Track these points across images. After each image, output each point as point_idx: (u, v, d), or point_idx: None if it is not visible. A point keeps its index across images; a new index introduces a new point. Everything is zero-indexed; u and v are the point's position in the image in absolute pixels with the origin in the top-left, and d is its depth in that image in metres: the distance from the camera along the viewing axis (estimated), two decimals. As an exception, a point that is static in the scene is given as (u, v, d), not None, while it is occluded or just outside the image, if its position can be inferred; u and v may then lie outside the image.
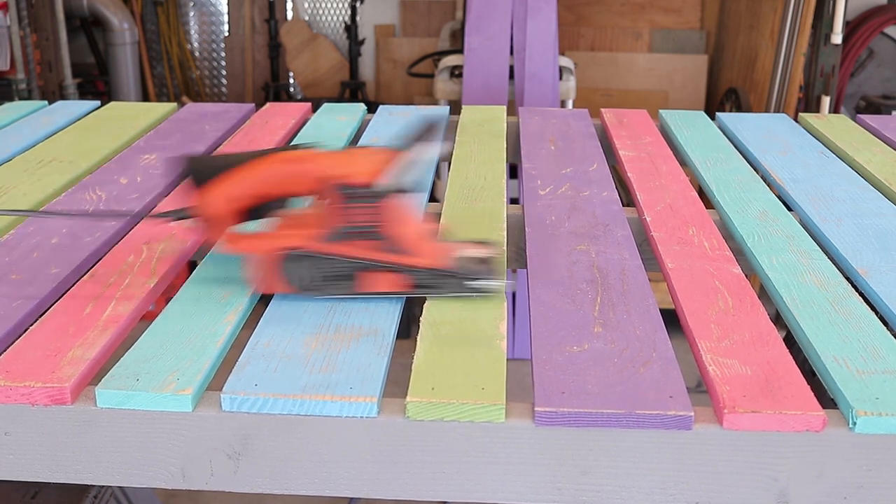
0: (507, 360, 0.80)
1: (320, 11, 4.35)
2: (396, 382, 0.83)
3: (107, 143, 1.46)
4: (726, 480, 0.74)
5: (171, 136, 1.51)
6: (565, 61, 3.05)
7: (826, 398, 0.77)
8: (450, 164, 1.36)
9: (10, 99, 3.40)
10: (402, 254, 0.88)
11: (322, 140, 0.97)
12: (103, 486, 1.77)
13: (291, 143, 0.98)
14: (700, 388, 0.84)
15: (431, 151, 0.88)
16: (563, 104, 3.06)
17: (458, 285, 0.89)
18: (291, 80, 4.41)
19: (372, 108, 1.72)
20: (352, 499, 2.16)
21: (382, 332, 0.84)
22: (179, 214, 0.95)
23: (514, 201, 1.96)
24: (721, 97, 3.74)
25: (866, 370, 0.78)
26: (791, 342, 0.91)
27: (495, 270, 0.90)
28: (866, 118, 1.64)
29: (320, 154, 0.89)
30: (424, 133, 0.89)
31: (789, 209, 1.20)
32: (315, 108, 1.71)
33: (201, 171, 0.92)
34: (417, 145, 0.88)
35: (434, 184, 1.35)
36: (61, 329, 0.84)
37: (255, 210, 0.94)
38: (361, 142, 1.48)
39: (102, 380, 0.76)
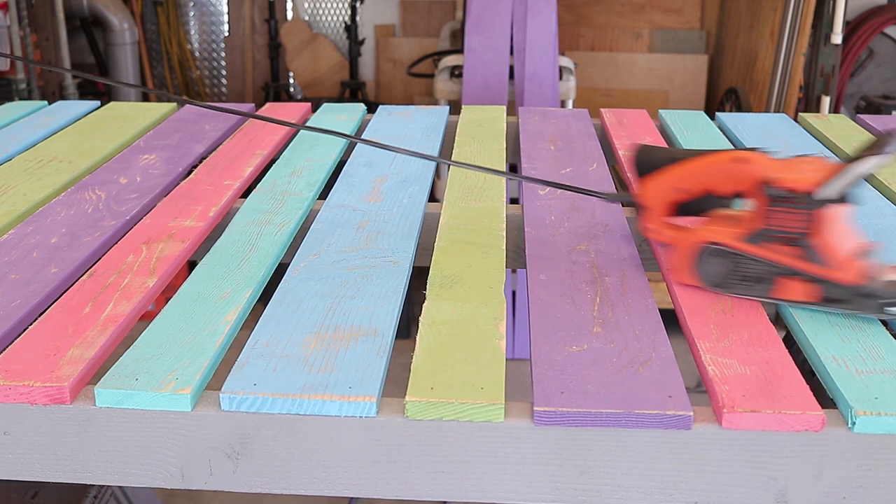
0: (507, 360, 0.80)
1: (320, 11, 4.35)
2: (396, 382, 0.83)
3: (107, 143, 1.46)
4: (725, 480, 0.74)
5: (171, 135, 1.51)
6: (565, 61, 3.05)
7: (825, 398, 0.77)
8: (449, 163, 1.36)
9: (10, 99, 3.40)
10: (822, 265, 0.87)
11: (762, 147, 0.99)
12: (103, 487, 1.77)
13: (746, 147, 1.02)
14: (699, 388, 0.84)
15: (882, 162, 0.85)
16: (563, 104, 3.06)
17: (876, 307, 0.86)
18: (291, 80, 4.41)
19: (372, 109, 1.72)
20: (352, 499, 2.16)
21: (381, 332, 0.84)
22: (625, 198, 1.04)
23: (514, 201, 1.96)
24: (721, 97, 3.74)
25: (865, 370, 0.78)
26: (790, 342, 0.91)
27: None
28: (866, 118, 1.64)
29: (766, 157, 0.91)
30: (880, 144, 0.85)
31: (789, 209, 1.20)
32: (315, 108, 1.71)
33: (647, 160, 1.00)
34: (871, 157, 0.84)
35: (434, 184, 1.36)
36: (60, 328, 0.84)
37: (693, 204, 0.98)
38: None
39: (101, 379, 0.76)
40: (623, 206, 1.09)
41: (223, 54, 4.41)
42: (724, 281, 0.92)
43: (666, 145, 1.47)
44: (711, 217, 0.97)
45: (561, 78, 3.01)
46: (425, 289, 0.93)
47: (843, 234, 0.88)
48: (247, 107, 1.70)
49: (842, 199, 0.86)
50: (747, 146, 1.47)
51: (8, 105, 1.73)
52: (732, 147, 1.47)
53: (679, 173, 0.97)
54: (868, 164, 0.84)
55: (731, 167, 0.93)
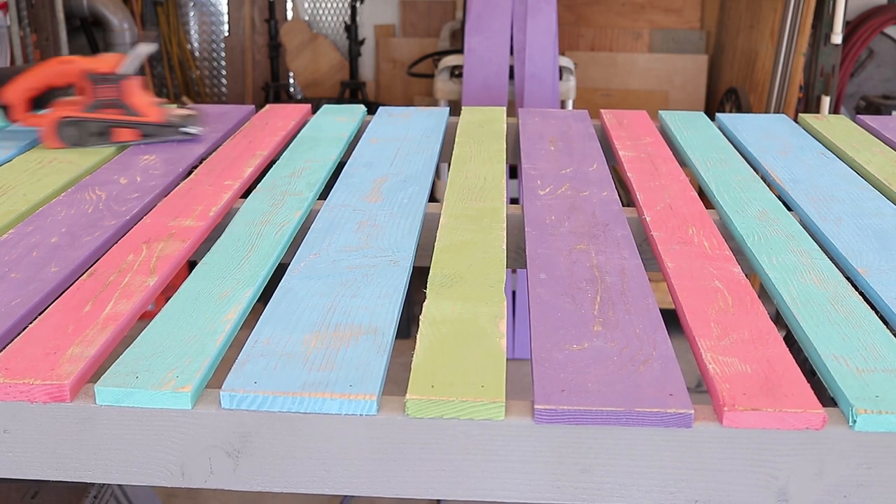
0: (507, 360, 0.80)
1: (320, 11, 4.35)
2: (396, 382, 0.83)
3: (107, 144, 1.46)
4: (726, 478, 0.74)
5: (171, 135, 1.51)
6: (565, 61, 3.05)
7: (826, 397, 0.77)
8: (450, 164, 1.37)
9: (10, 99, 3.40)
10: (137, 115, 1.43)
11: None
12: (103, 486, 1.77)
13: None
14: (700, 388, 0.84)
15: (145, 48, 1.46)
16: (563, 104, 3.06)
17: (174, 131, 1.45)
18: (291, 80, 4.41)
19: (372, 109, 1.72)
20: (344, 497, 2.16)
21: (382, 331, 0.84)
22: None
23: (514, 201, 1.96)
24: (721, 97, 3.74)
25: (866, 368, 0.78)
26: (791, 341, 0.91)
27: (195, 122, 1.47)
28: (866, 118, 1.64)
29: (82, 57, 1.45)
30: (136, 45, 1.50)
31: (789, 209, 1.20)
32: (315, 109, 1.71)
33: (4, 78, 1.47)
34: (141, 44, 1.46)
35: (434, 184, 1.36)
36: (61, 327, 0.84)
37: (40, 99, 1.47)
38: (362, 141, 1.48)
39: (102, 377, 0.76)
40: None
41: (223, 54, 4.41)
42: (80, 140, 1.43)
43: (667, 147, 1.47)
44: (59, 103, 1.45)
45: (561, 78, 3.01)
46: (425, 288, 0.93)
47: (144, 94, 1.44)
48: (247, 108, 1.70)
49: (137, 73, 1.43)
50: (747, 147, 1.47)
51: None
52: (733, 148, 1.47)
53: (28, 77, 1.45)
54: (141, 49, 1.45)
55: (62, 67, 1.44)
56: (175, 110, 1.45)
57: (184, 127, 1.44)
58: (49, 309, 0.88)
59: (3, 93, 1.46)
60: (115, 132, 1.42)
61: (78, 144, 1.41)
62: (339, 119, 1.62)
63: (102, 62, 1.42)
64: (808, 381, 0.76)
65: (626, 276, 0.96)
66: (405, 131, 1.54)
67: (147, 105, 1.43)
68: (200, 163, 1.37)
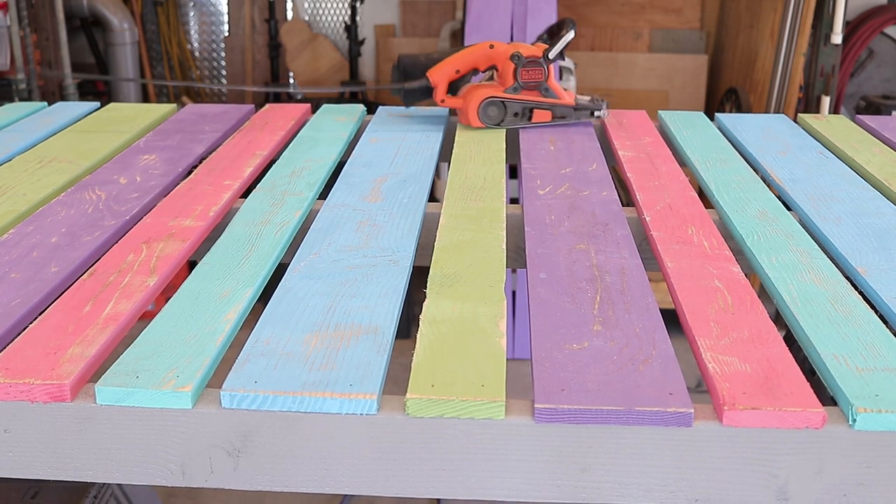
0: (507, 359, 0.80)
1: (320, 11, 4.35)
2: (396, 382, 0.83)
3: (107, 144, 1.46)
4: (726, 477, 0.74)
5: (171, 136, 1.51)
6: (565, 61, 3.05)
7: (826, 396, 0.77)
8: (450, 164, 1.37)
9: (10, 99, 3.40)
10: (554, 97, 1.52)
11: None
12: (103, 486, 1.77)
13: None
14: (700, 388, 0.84)
15: (570, 35, 1.50)
16: (563, 104, 3.06)
17: (587, 114, 1.54)
18: (291, 80, 4.41)
19: (372, 109, 1.72)
20: (344, 496, 2.16)
21: (382, 330, 0.84)
22: (424, 84, 1.54)
23: (514, 201, 1.96)
24: (721, 97, 3.74)
25: (866, 367, 0.78)
26: (791, 341, 0.91)
27: (602, 107, 1.55)
28: (865, 118, 1.64)
29: (504, 43, 1.52)
30: (562, 26, 1.51)
31: (789, 209, 1.20)
32: (315, 109, 1.71)
33: (412, 64, 1.55)
34: (565, 34, 1.49)
35: (434, 183, 1.36)
36: (61, 327, 0.84)
37: (459, 81, 1.54)
38: (362, 141, 1.48)
39: (102, 377, 0.76)
40: (404, 94, 1.56)
41: (223, 54, 4.41)
42: (501, 120, 1.52)
43: (666, 147, 1.47)
44: (478, 85, 1.53)
45: (561, 78, 3.01)
46: (425, 288, 0.93)
47: (558, 79, 1.49)
48: (247, 108, 1.70)
49: (559, 57, 1.50)
50: (747, 147, 1.47)
51: (8, 106, 1.73)
52: (733, 148, 1.47)
53: (456, 59, 1.52)
54: (567, 37, 1.48)
55: (489, 52, 1.51)
56: (582, 98, 1.55)
57: (597, 110, 1.53)
58: (49, 309, 0.88)
59: (433, 73, 1.52)
60: (535, 114, 1.51)
61: (498, 125, 1.51)
62: (339, 119, 1.63)
63: (527, 47, 1.50)
64: (808, 381, 0.76)
65: (625, 275, 0.96)
66: (405, 131, 1.54)
67: (560, 89, 1.53)
68: (200, 163, 1.37)
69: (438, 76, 1.52)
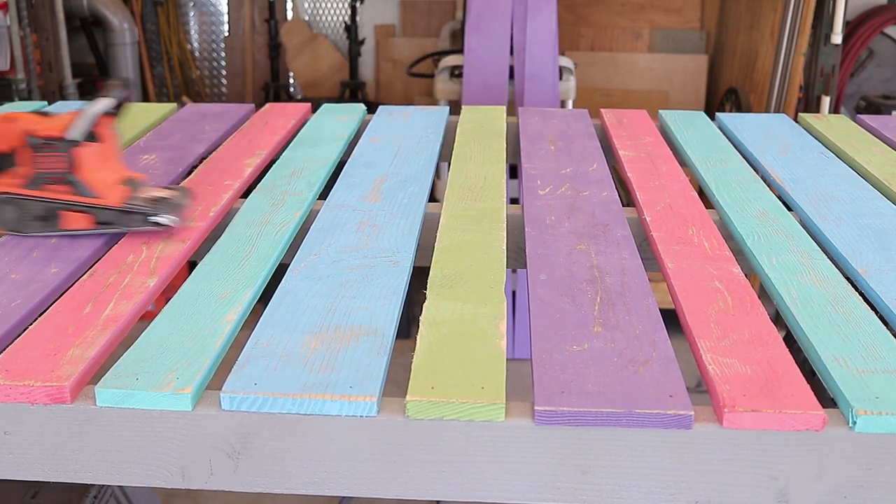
0: (507, 360, 0.80)
1: (320, 11, 4.35)
2: (396, 383, 0.83)
3: (106, 143, 1.46)
4: (726, 479, 0.73)
5: (171, 136, 1.51)
6: (565, 61, 3.05)
7: (826, 398, 0.77)
8: (450, 164, 1.36)
9: (10, 99, 3.40)
10: (90, 195, 1.06)
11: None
12: (103, 486, 1.77)
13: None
14: (700, 388, 0.84)
15: (109, 105, 1.06)
16: (563, 104, 3.06)
17: (141, 221, 1.06)
18: (291, 80, 4.41)
19: (372, 109, 1.72)
20: (343, 498, 2.16)
21: (382, 332, 0.84)
22: None
23: (514, 201, 1.96)
24: (721, 97, 3.74)
25: (866, 369, 0.78)
26: (791, 342, 0.91)
27: (173, 208, 1.07)
28: (866, 118, 1.64)
29: (30, 113, 1.08)
30: (108, 89, 1.07)
31: (789, 209, 1.20)
32: (315, 109, 1.71)
33: None
34: (101, 100, 1.06)
35: (434, 184, 1.36)
36: (61, 328, 0.84)
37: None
38: (362, 141, 1.48)
39: (102, 379, 0.76)
40: None
41: (223, 54, 4.41)
42: (19, 224, 1.07)
43: (667, 146, 1.47)
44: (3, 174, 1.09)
45: (561, 78, 3.01)
46: (425, 288, 0.93)
47: (103, 167, 1.06)
48: (247, 107, 1.70)
49: (90, 138, 1.05)
50: (747, 146, 1.47)
51: (8, 105, 1.73)
52: (733, 148, 1.47)
53: None
54: (98, 106, 1.05)
55: (1, 127, 1.07)
56: (149, 190, 1.09)
57: (153, 216, 1.05)
58: (49, 310, 0.88)
59: None
60: (64, 217, 1.06)
61: (17, 230, 1.07)
62: (339, 118, 1.62)
63: (49, 122, 1.06)
64: (808, 382, 0.76)
65: (626, 276, 0.96)
66: (405, 131, 1.54)
67: (104, 182, 1.07)
68: (200, 162, 1.37)
69: None
